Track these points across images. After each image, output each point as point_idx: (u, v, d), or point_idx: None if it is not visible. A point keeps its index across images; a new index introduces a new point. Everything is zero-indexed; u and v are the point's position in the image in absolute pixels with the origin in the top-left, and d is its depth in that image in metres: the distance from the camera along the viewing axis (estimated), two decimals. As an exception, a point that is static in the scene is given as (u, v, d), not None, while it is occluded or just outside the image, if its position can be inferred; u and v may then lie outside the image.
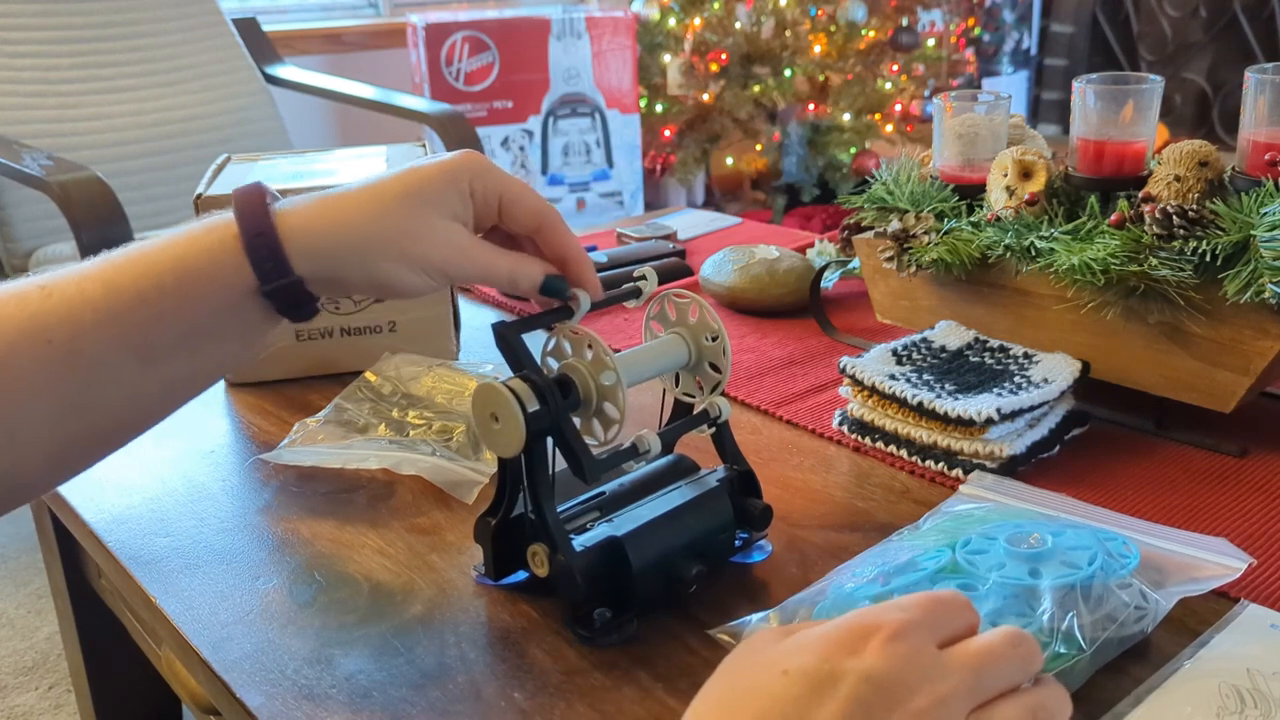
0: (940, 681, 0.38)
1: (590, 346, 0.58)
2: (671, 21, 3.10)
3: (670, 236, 1.32)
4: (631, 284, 0.63)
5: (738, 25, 3.09)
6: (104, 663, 0.99)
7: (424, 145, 0.99)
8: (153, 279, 0.51)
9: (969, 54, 3.55)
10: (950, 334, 0.83)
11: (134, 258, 0.51)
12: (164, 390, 0.53)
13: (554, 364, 0.59)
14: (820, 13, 3.13)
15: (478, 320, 1.09)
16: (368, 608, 0.61)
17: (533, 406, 0.55)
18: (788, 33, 3.12)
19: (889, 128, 3.20)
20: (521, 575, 0.62)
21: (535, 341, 0.59)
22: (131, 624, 0.86)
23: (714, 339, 0.63)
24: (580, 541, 0.58)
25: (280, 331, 0.80)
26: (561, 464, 0.58)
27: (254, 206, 0.52)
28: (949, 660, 0.39)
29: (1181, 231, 0.72)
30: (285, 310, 0.54)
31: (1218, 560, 0.58)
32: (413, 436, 0.78)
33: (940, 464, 0.74)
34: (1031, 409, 0.73)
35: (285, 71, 2.39)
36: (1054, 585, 0.53)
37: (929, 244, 0.84)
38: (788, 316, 1.07)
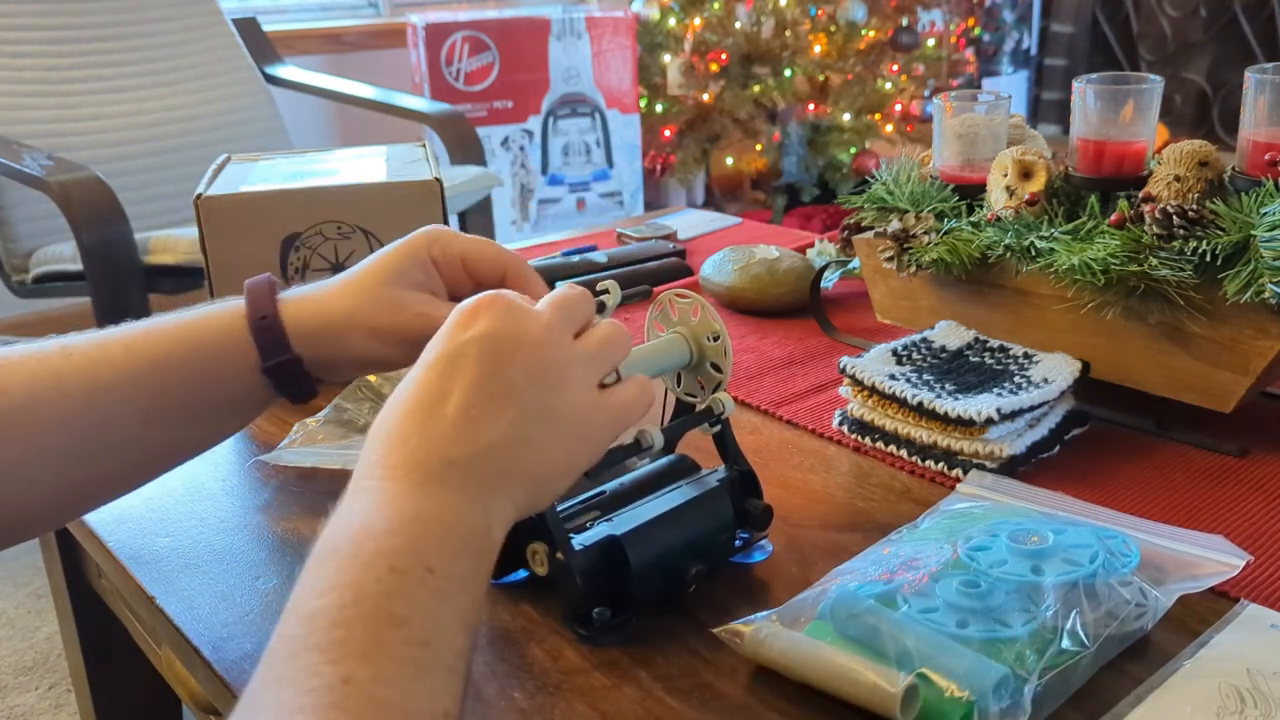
0: (540, 315, 0.50)
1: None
2: (671, 21, 3.10)
3: (670, 236, 1.32)
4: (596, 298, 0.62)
5: (738, 25, 3.09)
6: (104, 663, 0.99)
7: (424, 145, 0.99)
8: (166, 348, 0.56)
9: (969, 54, 3.55)
10: (950, 334, 0.83)
11: (152, 329, 0.57)
12: (160, 450, 0.58)
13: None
14: (820, 13, 3.13)
15: (478, 320, 1.09)
16: (368, 607, 0.61)
17: None
18: (788, 33, 3.12)
19: (889, 128, 3.20)
20: (521, 574, 0.62)
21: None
22: (131, 624, 0.86)
23: (715, 339, 0.63)
24: (580, 540, 0.57)
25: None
26: None
27: (262, 294, 0.58)
28: (540, 307, 0.51)
29: (1181, 231, 0.72)
30: (283, 388, 0.58)
31: (1216, 558, 0.58)
32: (413, 436, 0.78)
33: (940, 464, 0.74)
34: (1031, 409, 0.73)
35: (285, 71, 2.39)
36: (1057, 582, 0.54)
37: (929, 244, 0.84)
38: (788, 316, 1.07)
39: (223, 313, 0.57)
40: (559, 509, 0.59)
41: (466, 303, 0.49)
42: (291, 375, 0.57)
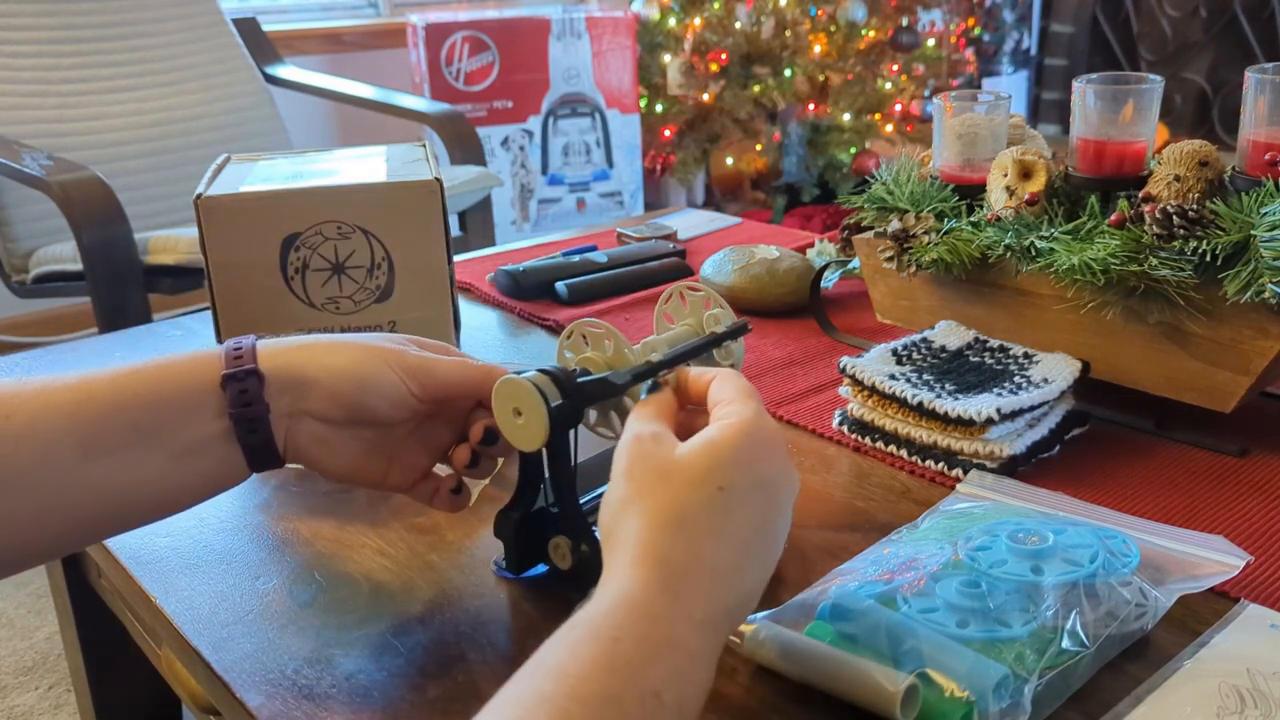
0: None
1: (609, 340, 0.58)
2: (671, 21, 3.10)
3: (670, 236, 1.32)
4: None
5: (738, 25, 3.09)
6: (104, 663, 0.99)
7: (424, 145, 0.99)
8: (126, 369, 0.54)
9: (969, 54, 3.55)
10: (950, 334, 0.83)
11: (116, 371, 0.54)
12: (99, 496, 0.53)
13: (570, 356, 0.60)
14: (820, 13, 3.13)
15: (478, 320, 1.09)
16: (368, 608, 0.61)
17: (556, 400, 0.55)
18: (788, 33, 3.12)
19: (889, 128, 3.20)
20: (541, 569, 0.62)
21: (545, 348, 0.59)
22: (131, 624, 0.86)
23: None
24: None
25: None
26: (581, 456, 0.58)
27: (243, 343, 0.56)
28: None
29: (1181, 231, 0.72)
30: (242, 427, 0.54)
31: (1217, 558, 0.58)
32: (413, 436, 0.78)
33: (940, 464, 0.74)
34: (1031, 409, 0.73)
35: (285, 71, 2.39)
36: (1057, 582, 0.54)
37: (929, 244, 0.84)
38: (788, 316, 1.07)
39: (198, 352, 0.56)
40: (581, 501, 0.59)
41: (748, 428, 0.50)
42: (252, 397, 0.54)
